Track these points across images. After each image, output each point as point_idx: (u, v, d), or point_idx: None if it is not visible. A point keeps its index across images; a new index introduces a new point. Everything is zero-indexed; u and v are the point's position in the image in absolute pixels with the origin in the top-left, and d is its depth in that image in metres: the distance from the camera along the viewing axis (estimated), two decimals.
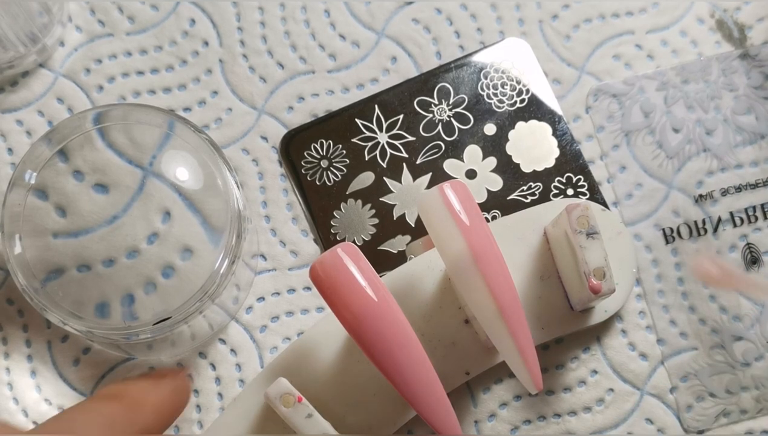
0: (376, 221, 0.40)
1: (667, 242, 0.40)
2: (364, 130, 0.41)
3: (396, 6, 0.42)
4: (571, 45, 0.42)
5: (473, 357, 0.37)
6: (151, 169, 0.34)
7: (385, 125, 0.41)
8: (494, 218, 0.40)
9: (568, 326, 0.38)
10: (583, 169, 0.41)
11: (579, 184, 0.41)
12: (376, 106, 0.41)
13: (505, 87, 0.41)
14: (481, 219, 0.33)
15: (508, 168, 0.41)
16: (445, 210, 0.33)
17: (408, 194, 0.40)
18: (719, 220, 0.40)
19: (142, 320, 0.33)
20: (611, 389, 0.39)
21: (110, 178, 0.34)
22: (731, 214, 0.40)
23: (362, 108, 0.41)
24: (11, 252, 0.33)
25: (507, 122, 0.41)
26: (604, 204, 0.40)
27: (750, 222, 0.40)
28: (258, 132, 0.41)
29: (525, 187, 0.41)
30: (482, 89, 0.41)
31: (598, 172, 0.41)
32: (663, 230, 0.40)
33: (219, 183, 0.34)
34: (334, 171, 0.41)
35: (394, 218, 0.40)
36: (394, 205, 0.40)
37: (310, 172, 0.41)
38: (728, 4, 0.42)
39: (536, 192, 0.40)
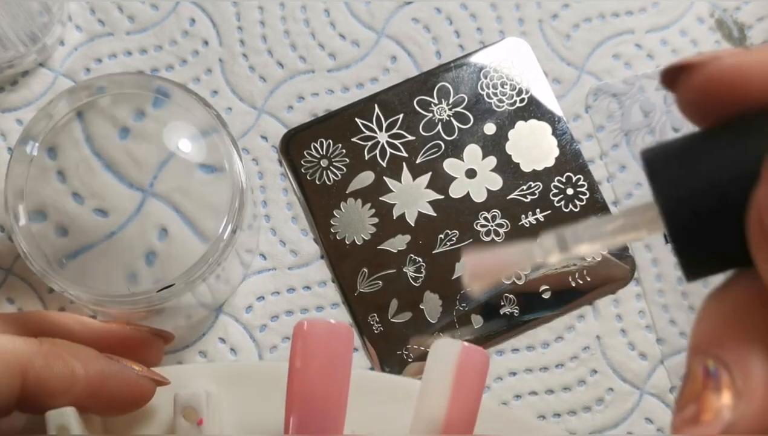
0: (375, 220, 0.40)
1: (667, 242, 0.40)
2: (363, 129, 0.41)
3: (396, 5, 0.42)
4: (570, 44, 0.42)
5: None
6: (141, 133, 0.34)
7: (384, 125, 0.41)
8: (494, 217, 0.40)
9: None
10: (583, 169, 0.41)
11: (578, 183, 0.41)
12: (376, 106, 0.41)
13: (505, 86, 0.42)
14: (476, 403, 0.31)
15: (507, 167, 0.41)
16: (452, 368, 0.30)
17: (408, 194, 0.40)
18: None
19: (145, 287, 0.33)
20: (611, 389, 0.39)
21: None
22: None
23: (362, 107, 0.41)
24: (16, 224, 0.33)
25: (507, 122, 0.41)
26: (604, 204, 0.41)
27: None
28: (258, 131, 0.41)
29: (525, 187, 0.41)
30: (482, 89, 0.41)
31: (597, 171, 0.41)
32: None
33: (220, 148, 0.34)
34: (334, 170, 0.41)
35: (394, 218, 0.40)
36: (394, 204, 0.40)
37: (310, 171, 0.41)
38: (728, 3, 0.42)
39: (536, 191, 0.41)
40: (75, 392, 0.30)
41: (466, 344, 0.31)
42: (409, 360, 0.39)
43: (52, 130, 0.34)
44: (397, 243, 0.40)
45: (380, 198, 0.40)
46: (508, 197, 0.41)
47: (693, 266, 0.21)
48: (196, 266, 0.33)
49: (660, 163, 0.21)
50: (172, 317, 0.38)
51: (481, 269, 0.26)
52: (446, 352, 0.31)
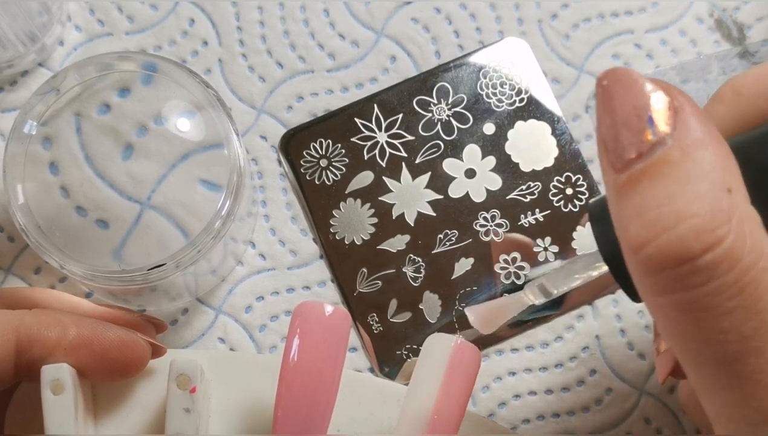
0: (375, 220, 0.40)
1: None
2: (363, 129, 0.41)
3: (395, 5, 0.42)
4: (570, 44, 0.42)
5: None
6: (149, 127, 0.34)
7: (384, 125, 0.41)
8: (493, 217, 0.40)
9: None
10: (583, 169, 0.41)
11: (578, 183, 0.41)
12: (376, 106, 0.41)
13: (504, 86, 0.42)
14: (465, 399, 0.32)
15: (507, 167, 0.41)
16: (445, 362, 0.31)
17: (407, 193, 0.40)
18: None
19: (136, 265, 0.34)
20: (610, 389, 0.39)
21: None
22: None
23: (361, 107, 0.41)
24: (15, 200, 0.34)
25: (506, 122, 0.41)
26: None
27: None
28: (257, 131, 0.41)
29: (524, 187, 0.41)
30: (481, 89, 0.41)
31: (597, 171, 0.41)
32: None
33: (217, 125, 0.35)
34: (334, 170, 0.41)
35: (394, 218, 0.40)
36: (394, 204, 0.40)
37: (310, 171, 0.41)
38: (727, 3, 0.42)
39: (535, 191, 0.40)
40: (67, 342, 0.31)
41: (459, 340, 0.31)
42: (408, 360, 0.39)
43: (50, 110, 0.34)
44: (397, 243, 0.40)
45: (379, 198, 0.40)
46: (508, 197, 0.41)
47: (634, 291, 0.24)
48: (188, 246, 0.34)
49: (598, 213, 0.26)
50: (157, 299, 0.38)
51: (485, 318, 0.31)
52: (440, 346, 0.31)
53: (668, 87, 0.23)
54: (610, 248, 0.26)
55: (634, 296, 0.25)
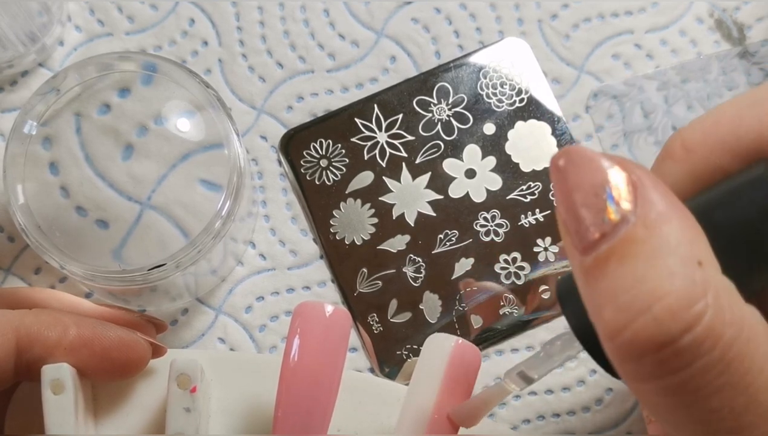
0: (375, 220, 0.40)
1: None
2: (363, 129, 0.41)
3: (395, 5, 0.42)
4: (570, 44, 0.42)
5: None
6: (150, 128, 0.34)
7: (384, 125, 0.41)
8: (493, 217, 0.40)
9: None
10: None
11: None
12: (376, 106, 0.41)
13: (505, 86, 0.41)
14: (465, 398, 0.31)
15: (507, 167, 0.41)
16: (445, 362, 0.31)
17: (407, 194, 0.40)
18: None
19: (136, 265, 0.34)
20: (610, 389, 0.39)
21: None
22: None
23: (361, 107, 0.41)
24: (15, 200, 0.34)
25: (506, 122, 0.41)
26: None
27: None
28: (257, 131, 0.41)
29: (524, 187, 0.41)
30: (481, 89, 0.41)
31: None
32: None
33: (217, 125, 0.35)
34: (334, 170, 0.41)
35: (394, 218, 0.40)
36: (394, 204, 0.40)
37: (310, 171, 0.41)
38: (727, 3, 0.42)
39: (535, 191, 0.40)
40: (67, 342, 0.31)
41: (460, 339, 0.31)
42: (409, 361, 0.39)
43: (50, 110, 0.35)
44: (397, 243, 0.40)
45: (380, 198, 0.40)
46: (508, 197, 0.41)
47: (611, 369, 0.23)
48: (188, 246, 0.34)
49: (567, 294, 0.25)
50: (158, 299, 0.38)
51: (469, 415, 0.30)
52: (440, 346, 0.31)
53: (624, 161, 0.22)
54: (584, 329, 0.24)
55: (617, 375, 0.24)
